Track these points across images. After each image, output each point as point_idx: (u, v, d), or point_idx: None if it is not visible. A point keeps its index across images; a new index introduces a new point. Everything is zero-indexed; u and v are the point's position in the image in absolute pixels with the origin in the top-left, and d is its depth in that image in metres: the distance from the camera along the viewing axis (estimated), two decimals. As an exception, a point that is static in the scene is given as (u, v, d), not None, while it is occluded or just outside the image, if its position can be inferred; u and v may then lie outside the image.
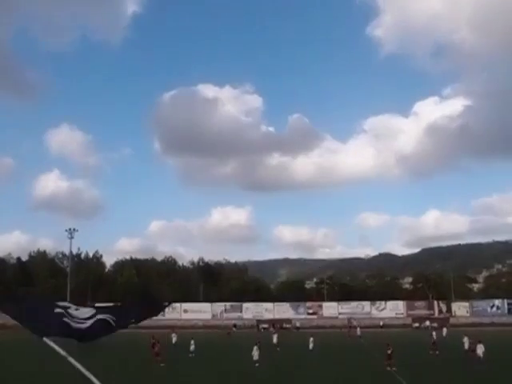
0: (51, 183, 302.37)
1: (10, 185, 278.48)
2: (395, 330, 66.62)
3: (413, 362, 30.20)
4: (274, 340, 41.32)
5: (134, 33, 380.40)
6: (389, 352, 28.17)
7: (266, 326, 72.73)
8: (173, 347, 40.56)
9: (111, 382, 25.26)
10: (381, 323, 74.91)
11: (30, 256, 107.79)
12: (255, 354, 29.26)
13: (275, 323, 73.45)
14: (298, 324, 73.68)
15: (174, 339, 42.99)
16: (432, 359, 33.37)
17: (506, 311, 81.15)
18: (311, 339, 37.77)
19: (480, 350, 29.42)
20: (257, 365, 28.71)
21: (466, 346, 35.63)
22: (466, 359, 31.93)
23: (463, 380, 25.24)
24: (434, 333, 43.61)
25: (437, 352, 35.90)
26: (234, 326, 74.20)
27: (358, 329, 57.97)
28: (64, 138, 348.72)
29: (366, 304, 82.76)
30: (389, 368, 27.05)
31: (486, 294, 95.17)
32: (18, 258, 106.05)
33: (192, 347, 35.63)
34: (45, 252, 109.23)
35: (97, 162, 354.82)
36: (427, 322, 72.27)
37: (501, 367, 27.81)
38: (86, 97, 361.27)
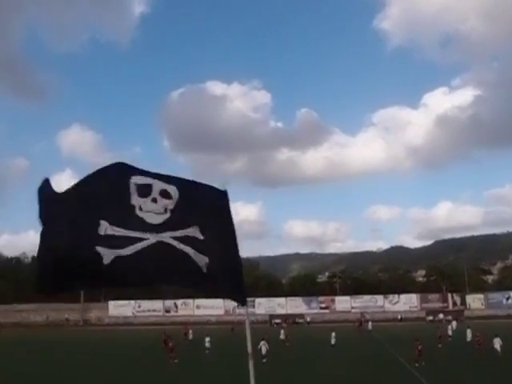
0: (64, 183, 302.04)
1: (23, 185, 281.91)
2: (409, 324, 66.22)
3: (429, 357, 29.89)
4: (282, 336, 41.38)
5: (142, 33, 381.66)
6: (419, 348, 27.40)
7: (278, 320, 72.73)
8: (189, 343, 40.88)
9: (125, 377, 25.41)
10: (399, 316, 74.86)
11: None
12: (263, 348, 29.60)
13: (288, 318, 73.36)
14: (308, 319, 73.77)
15: (191, 335, 43.47)
16: (448, 353, 33.02)
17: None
18: (333, 334, 37.44)
19: (497, 343, 29.02)
20: (264, 360, 28.90)
21: (469, 338, 35.72)
22: (471, 351, 31.72)
23: (482, 374, 24.88)
24: (449, 326, 43.27)
25: (439, 345, 35.51)
26: (246, 321, 74.28)
27: (370, 323, 57.65)
28: (75, 138, 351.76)
29: (379, 297, 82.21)
30: (417, 364, 26.35)
31: (501, 285, 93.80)
32: (33, 257, 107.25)
33: (207, 344, 35.71)
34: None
35: (107, 161, 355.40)
36: (441, 315, 71.71)
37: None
38: (96, 97, 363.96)
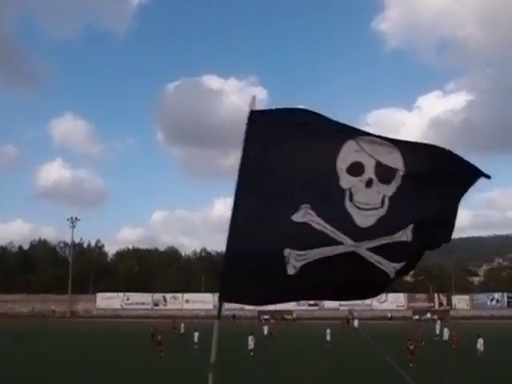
0: (54, 172, 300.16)
1: (12, 173, 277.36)
2: (395, 323, 66.98)
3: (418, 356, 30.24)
4: (265, 332, 41.69)
5: (139, 23, 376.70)
6: (411, 348, 27.40)
7: (267, 316, 73.07)
8: (180, 337, 40.94)
9: (108, 370, 25.36)
10: (389, 315, 75.60)
11: (32, 245, 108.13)
12: (251, 343, 30.49)
13: (276, 314, 73.67)
14: (294, 315, 74.60)
15: (183, 329, 43.50)
16: (428, 351, 33.40)
17: (506, 304, 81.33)
18: (328, 331, 37.90)
19: (479, 344, 29.43)
20: (251, 354, 29.71)
21: (446, 337, 36.18)
22: (447, 350, 32.17)
23: (461, 372, 25.22)
24: (436, 325, 43.77)
25: (423, 343, 35.86)
26: (233, 317, 74.41)
27: (356, 321, 58.26)
28: (67, 126, 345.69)
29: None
30: (411, 364, 26.11)
31: (486, 287, 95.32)
32: (20, 247, 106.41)
33: (196, 339, 35.78)
34: (46, 241, 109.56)
35: (100, 152, 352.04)
36: (428, 315, 72.68)
37: (500, 360, 27.87)
38: (90, 86, 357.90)
